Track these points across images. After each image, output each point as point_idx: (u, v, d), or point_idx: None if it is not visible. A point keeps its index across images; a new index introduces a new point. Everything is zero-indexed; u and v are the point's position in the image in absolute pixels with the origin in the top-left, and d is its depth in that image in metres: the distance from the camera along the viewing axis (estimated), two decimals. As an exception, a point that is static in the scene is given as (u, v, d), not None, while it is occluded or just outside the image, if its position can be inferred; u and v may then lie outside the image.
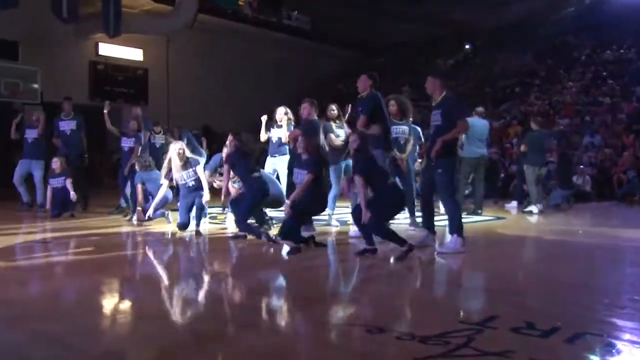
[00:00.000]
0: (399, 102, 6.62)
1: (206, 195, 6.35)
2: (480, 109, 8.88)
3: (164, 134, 9.15)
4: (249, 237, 5.90)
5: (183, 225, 6.36)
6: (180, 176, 6.42)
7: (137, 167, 7.45)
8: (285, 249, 5.23)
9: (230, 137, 6.20)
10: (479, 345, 2.60)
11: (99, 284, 4.11)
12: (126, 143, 8.30)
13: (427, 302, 3.67)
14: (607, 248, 5.89)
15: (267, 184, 6.02)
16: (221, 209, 8.23)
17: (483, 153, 8.51)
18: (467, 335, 2.73)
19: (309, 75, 24.78)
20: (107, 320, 3.28)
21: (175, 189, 7.01)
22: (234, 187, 6.26)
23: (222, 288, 4.23)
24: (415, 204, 6.61)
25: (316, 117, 6.80)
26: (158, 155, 8.28)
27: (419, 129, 7.55)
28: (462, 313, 3.28)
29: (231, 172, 6.10)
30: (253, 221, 6.15)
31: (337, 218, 7.08)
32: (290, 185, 6.35)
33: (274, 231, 6.22)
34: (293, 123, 7.42)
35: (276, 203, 6.49)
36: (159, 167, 7.16)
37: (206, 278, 4.63)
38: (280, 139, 7.38)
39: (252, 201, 5.83)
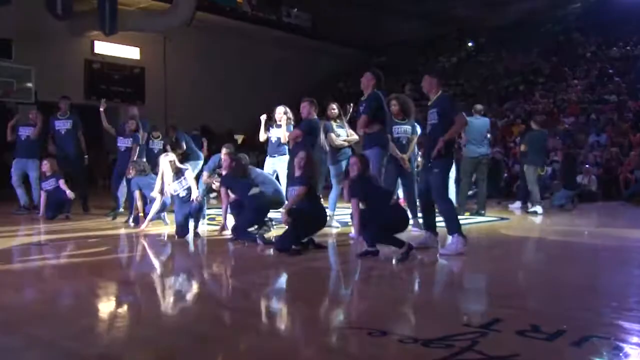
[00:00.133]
0: (401, 101, 6.63)
1: (194, 192, 6.31)
2: (479, 106, 8.88)
3: (162, 139, 9.12)
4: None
5: (182, 235, 6.33)
6: (174, 188, 6.40)
7: (131, 172, 7.30)
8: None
9: (224, 157, 6.15)
10: (483, 348, 2.59)
11: (95, 287, 4.11)
12: (122, 143, 8.28)
13: (430, 304, 3.67)
14: (613, 249, 5.87)
15: (267, 199, 6.01)
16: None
17: (482, 152, 8.52)
18: (471, 338, 2.72)
19: (309, 74, 24.79)
20: (103, 324, 3.28)
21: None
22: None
23: (221, 290, 4.23)
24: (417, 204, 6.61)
25: (316, 117, 6.81)
26: (155, 160, 8.18)
27: (418, 128, 7.55)
28: (465, 316, 3.27)
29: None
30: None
31: (338, 219, 7.07)
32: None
33: (273, 233, 6.23)
34: (293, 123, 7.42)
35: (276, 204, 6.49)
36: (156, 173, 7.09)
37: (204, 280, 4.62)
38: (279, 139, 7.38)
39: (251, 218, 5.84)
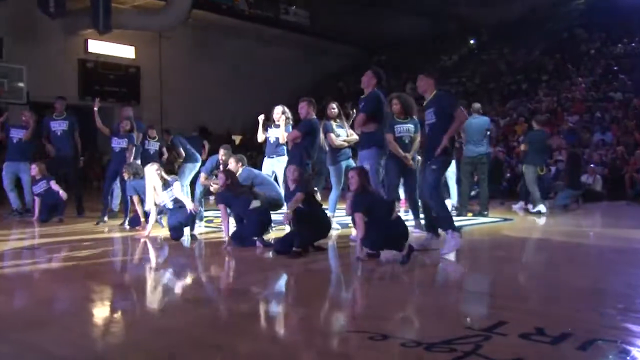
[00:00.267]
0: (402, 100, 6.63)
1: (189, 204, 6.32)
2: (477, 105, 8.89)
3: (158, 141, 9.07)
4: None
5: (177, 237, 6.32)
6: (162, 199, 6.40)
7: (125, 175, 7.26)
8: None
9: (220, 175, 6.13)
10: (486, 352, 2.59)
11: (89, 292, 4.10)
12: (117, 143, 8.21)
13: (432, 307, 3.66)
14: (619, 250, 5.87)
15: (268, 212, 6.00)
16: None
17: (481, 152, 8.52)
18: (475, 342, 2.72)
19: (308, 73, 24.82)
20: (98, 329, 3.27)
21: None
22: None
23: (218, 294, 4.22)
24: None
25: (315, 117, 6.80)
26: (150, 161, 8.13)
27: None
28: (468, 319, 3.27)
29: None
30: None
31: (338, 221, 7.07)
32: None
33: (272, 235, 6.23)
34: (291, 123, 7.42)
35: (274, 206, 6.48)
36: None
37: (202, 283, 4.62)
38: (277, 139, 7.38)
39: (254, 232, 5.83)
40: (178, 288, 4.46)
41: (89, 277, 4.58)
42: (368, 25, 25.52)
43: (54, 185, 8.27)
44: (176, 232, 6.30)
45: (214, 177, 7.13)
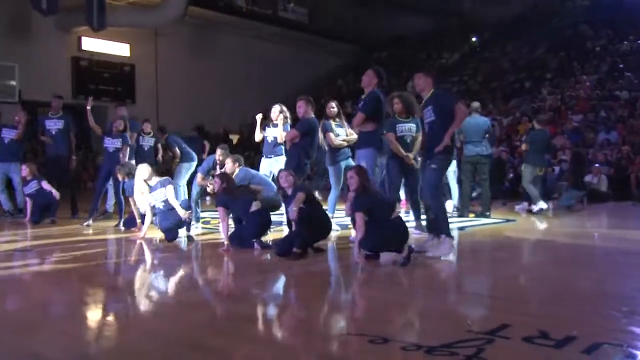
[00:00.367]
0: (404, 99, 6.64)
1: (180, 212, 6.31)
2: (475, 104, 8.88)
3: (153, 136, 9.04)
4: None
5: (172, 238, 6.32)
6: (149, 200, 6.40)
7: (119, 176, 7.26)
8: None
9: (216, 179, 6.13)
10: (489, 356, 2.59)
11: (83, 294, 4.10)
12: (110, 143, 8.18)
13: (433, 310, 3.66)
14: (625, 252, 5.87)
15: (268, 213, 6.00)
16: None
17: (480, 152, 8.52)
18: (477, 345, 2.72)
19: (306, 71, 24.82)
20: (92, 333, 3.26)
21: None
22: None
23: (216, 297, 4.22)
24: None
25: (313, 116, 6.80)
26: (146, 160, 8.10)
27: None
28: (470, 321, 3.27)
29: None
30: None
31: (338, 222, 7.07)
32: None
33: (270, 236, 6.22)
34: (290, 122, 7.42)
35: (272, 206, 6.48)
36: None
37: (198, 286, 4.62)
38: (275, 138, 7.38)
39: (253, 234, 5.83)
40: (174, 290, 4.45)
41: (83, 280, 4.58)
42: (368, 22, 25.55)
43: (45, 185, 8.27)
44: (170, 233, 6.29)
45: (211, 177, 7.12)
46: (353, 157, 6.84)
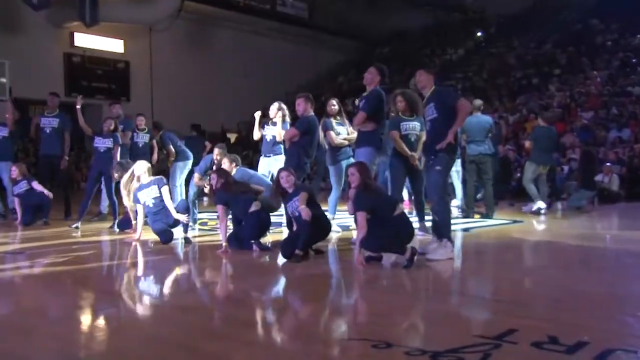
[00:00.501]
0: (407, 97, 6.62)
1: (174, 214, 6.30)
2: (478, 102, 8.85)
3: (147, 132, 9.01)
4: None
5: (167, 240, 6.30)
6: (139, 198, 6.37)
7: (115, 175, 7.24)
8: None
9: (212, 175, 6.12)
10: (496, 361, 2.59)
11: (76, 298, 4.10)
12: (101, 143, 8.12)
13: (438, 313, 3.66)
14: (637, 254, 5.86)
15: (267, 214, 6.00)
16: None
17: (482, 151, 8.52)
18: (483, 350, 2.71)
19: (306, 68, 24.81)
20: (85, 337, 3.26)
21: None
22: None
23: (214, 300, 4.22)
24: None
25: (312, 113, 6.79)
26: (141, 157, 8.06)
27: None
28: (477, 326, 3.26)
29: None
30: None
31: (339, 223, 7.07)
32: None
33: (269, 238, 6.22)
34: (289, 120, 7.42)
35: (270, 207, 6.47)
36: None
37: (196, 289, 4.61)
38: (274, 137, 7.38)
39: (252, 235, 5.83)
40: (170, 293, 4.45)
41: (76, 283, 4.57)
42: (369, 17, 25.54)
43: (36, 185, 8.26)
44: (164, 235, 6.28)
45: (208, 177, 7.11)
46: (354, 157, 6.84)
